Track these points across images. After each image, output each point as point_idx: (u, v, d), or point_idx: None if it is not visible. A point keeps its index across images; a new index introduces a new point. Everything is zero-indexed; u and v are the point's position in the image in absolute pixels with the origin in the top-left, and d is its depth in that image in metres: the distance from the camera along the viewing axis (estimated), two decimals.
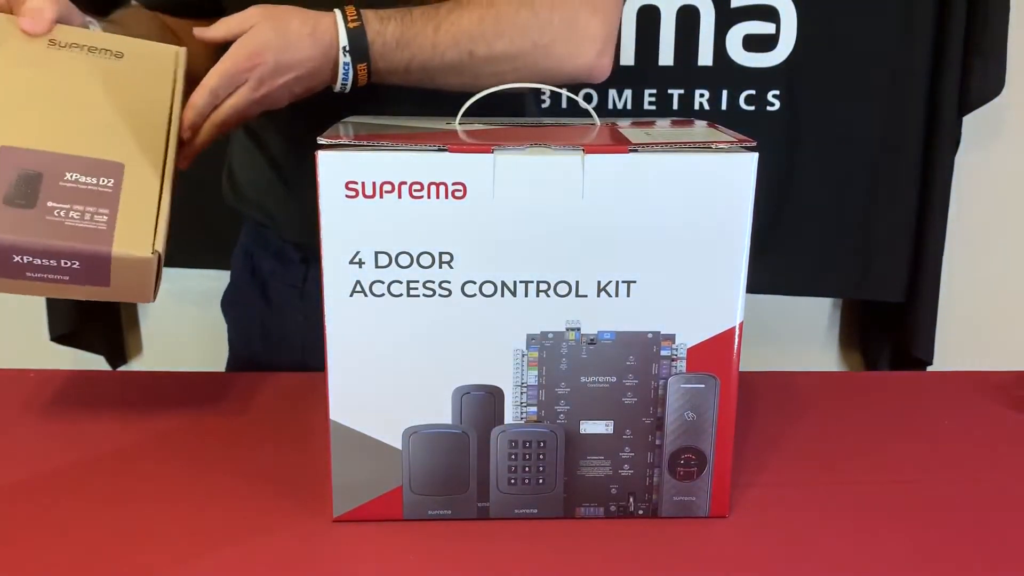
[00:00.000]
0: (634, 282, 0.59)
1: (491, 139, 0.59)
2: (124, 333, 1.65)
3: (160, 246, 0.65)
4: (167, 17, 0.92)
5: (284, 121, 0.92)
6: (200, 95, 0.73)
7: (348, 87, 0.78)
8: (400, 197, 0.57)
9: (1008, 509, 0.66)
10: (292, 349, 0.98)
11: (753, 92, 1.45)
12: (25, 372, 0.87)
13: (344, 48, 0.75)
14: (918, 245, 1.50)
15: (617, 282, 0.59)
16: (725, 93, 1.46)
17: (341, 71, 0.76)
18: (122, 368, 1.64)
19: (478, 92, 0.65)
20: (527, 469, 0.63)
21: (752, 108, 1.46)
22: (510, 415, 0.61)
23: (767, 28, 1.43)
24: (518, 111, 0.99)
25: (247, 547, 0.60)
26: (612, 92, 1.46)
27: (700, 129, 0.67)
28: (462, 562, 0.60)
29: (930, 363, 1.53)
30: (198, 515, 0.64)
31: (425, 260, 0.58)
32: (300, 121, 0.90)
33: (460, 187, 0.57)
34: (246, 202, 0.99)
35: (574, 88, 1.29)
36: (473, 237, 0.58)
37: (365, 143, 0.57)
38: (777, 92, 1.45)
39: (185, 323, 1.62)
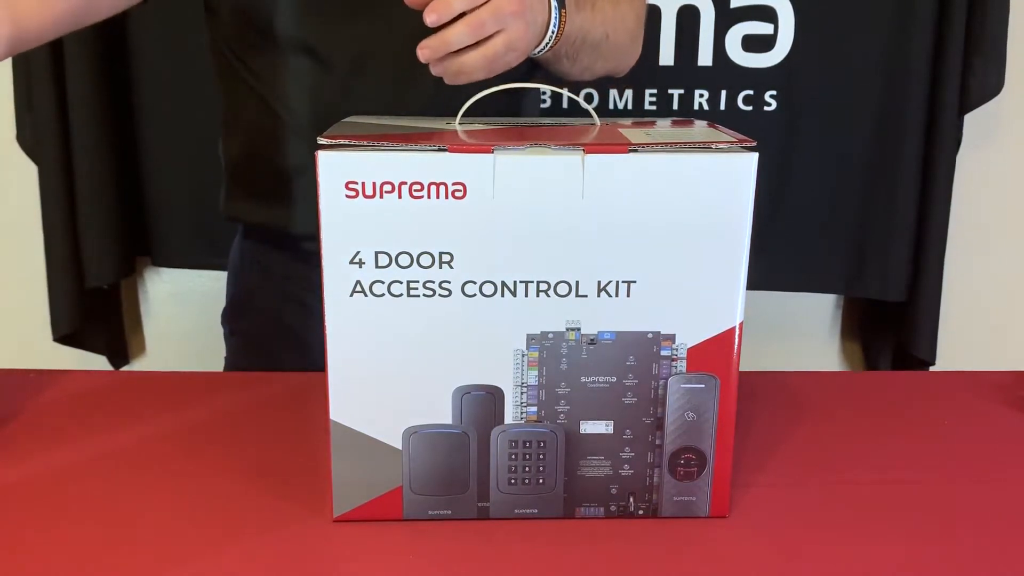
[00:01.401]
0: (634, 282, 0.59)
1: (491, 139, 0.59)
2: (127, 334, 1.65)
3: None
4: None
5: (292, 126, 0.92)
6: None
7: (549, 43, 0.80)
8: (400, 197, 0.57)
9: (1009, 509, 0.66)
10: (313, 353, 0.97)
11: (751, 92, 1.45)
12: (26, 372, 0.87)
13: None
14: (919, 245, 1.50)
15: (617, 282, 0.59)
16: (724, 93, 1.46)
17: (553, 15, 0.78)
18: (124, 368, 1.64)
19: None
20: (527, 469, 0.63)
21: (750, 108, 1.46)
22: (510, 415, 0.61)
23: (765, 28, 1.43)
24: (516, 111, 0.99)
25: (247, 547, 0.60)
26: (612, 92, 1.46)
27: (700, 129, 0.67)
28: (462, 562, 0.60)
29: (932, 364, 1.53)
30: (198, 515, 0.64)
31: (425, 260, 0.58)
32: (309, 124, 0.91)
33: (460, 187, 0.57)
34: (255, 211, 0.98)
35: (574, 88, 1.29)
36: (473, 237, 0.58)
37: (365, 143, 0.57)
38: (774, 92, 1.45)
39: (187, 324, 1.62)
